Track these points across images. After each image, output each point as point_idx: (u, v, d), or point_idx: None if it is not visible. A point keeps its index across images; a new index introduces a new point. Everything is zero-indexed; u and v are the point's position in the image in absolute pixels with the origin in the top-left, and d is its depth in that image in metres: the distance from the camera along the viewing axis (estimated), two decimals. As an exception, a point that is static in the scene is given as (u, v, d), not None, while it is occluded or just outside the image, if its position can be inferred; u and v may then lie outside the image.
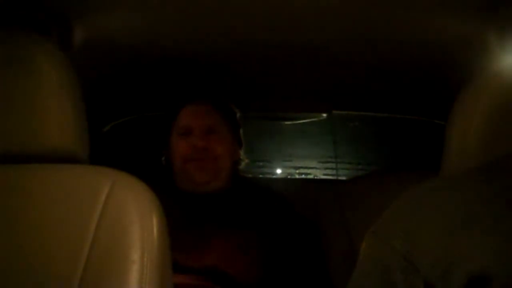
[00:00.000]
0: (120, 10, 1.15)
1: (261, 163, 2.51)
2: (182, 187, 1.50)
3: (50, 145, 0.87)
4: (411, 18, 1.16)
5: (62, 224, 0.82)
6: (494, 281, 0.55)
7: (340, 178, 2.35)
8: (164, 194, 0.94)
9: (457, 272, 0.57)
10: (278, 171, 2.59)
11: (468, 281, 0.56)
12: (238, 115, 1.60)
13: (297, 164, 2.59)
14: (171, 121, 1.54)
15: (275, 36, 1.27)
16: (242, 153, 1.59)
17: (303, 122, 1.92)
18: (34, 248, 0.81)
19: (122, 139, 1.89)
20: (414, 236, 0.62)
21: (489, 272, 0.56)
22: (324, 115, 1.85)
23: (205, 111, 1.52)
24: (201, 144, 1.45)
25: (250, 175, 2.12)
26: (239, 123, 1.60)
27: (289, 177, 2.56)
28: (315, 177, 2.54)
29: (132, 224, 0.82)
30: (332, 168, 2.52)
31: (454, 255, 0.59)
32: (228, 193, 1.51)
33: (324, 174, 2.57)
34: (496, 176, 0.66)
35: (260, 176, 2.44)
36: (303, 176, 2.58)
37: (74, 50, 1.21)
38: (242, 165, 1.60)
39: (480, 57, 1.25)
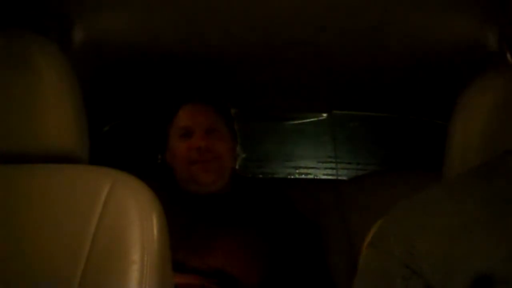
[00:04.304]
0: (120, 10, 1.15)
1: (261, 163, 2.50)
2: (185, 188, 1.50)
3: (50, 145, 0.87)
4: (411, 18, 1.16)
5: (62, 224, 0.82)
6: (499, 281, 0.55)
7: (340, 178, 2.34)
8: (166, 194, 0.94)
9: (460, 274, 0.57)
10: (278, 171, 2.59)
11: (473, 282, 0.56)
12: (232, 111, 1.60)
13: (297, 164, 2.58)
14: (168, 123, 1.53)
15: (275, 35, 1.27)
16: (238, 148, 1.59)
17: (303, 122, 1.92)
18: (34, 248, 0.81)
19: (122, 139, 1.88)
20: (413, 241, 0.62)
21: (493, 272, 0.55)
22: (324, 115, 1.85)
23: (204, 110, 1.51)
24: (204, 144, 1.45)
25: (250, 175, 2.12)
26: (234, 118, 1.60)
27: (289, 177, 2.55)
28: (315, 177, 2.53)
29: (132, 224, 0.82)
30: (332, 168, 2.51)
31: (456, 257, 0.59)
32: (231, 194, 1.51)
33: (324, 174, 2.56)
34: (495, 175, 0.66)
35: (260, 176, 2.43)
36: (303, 176, 2.57)
37: (74, 50, 1.21)
38: (239, 160, 1.59)
39: (480, 57, 1.25)
